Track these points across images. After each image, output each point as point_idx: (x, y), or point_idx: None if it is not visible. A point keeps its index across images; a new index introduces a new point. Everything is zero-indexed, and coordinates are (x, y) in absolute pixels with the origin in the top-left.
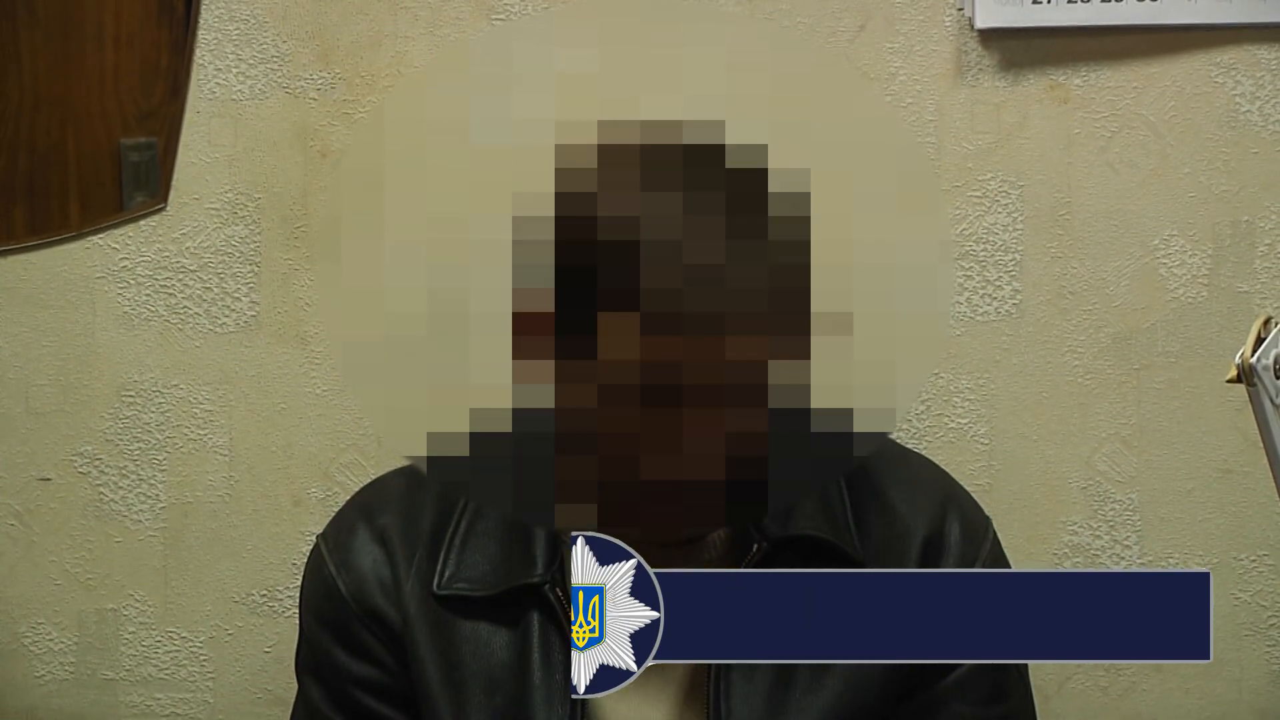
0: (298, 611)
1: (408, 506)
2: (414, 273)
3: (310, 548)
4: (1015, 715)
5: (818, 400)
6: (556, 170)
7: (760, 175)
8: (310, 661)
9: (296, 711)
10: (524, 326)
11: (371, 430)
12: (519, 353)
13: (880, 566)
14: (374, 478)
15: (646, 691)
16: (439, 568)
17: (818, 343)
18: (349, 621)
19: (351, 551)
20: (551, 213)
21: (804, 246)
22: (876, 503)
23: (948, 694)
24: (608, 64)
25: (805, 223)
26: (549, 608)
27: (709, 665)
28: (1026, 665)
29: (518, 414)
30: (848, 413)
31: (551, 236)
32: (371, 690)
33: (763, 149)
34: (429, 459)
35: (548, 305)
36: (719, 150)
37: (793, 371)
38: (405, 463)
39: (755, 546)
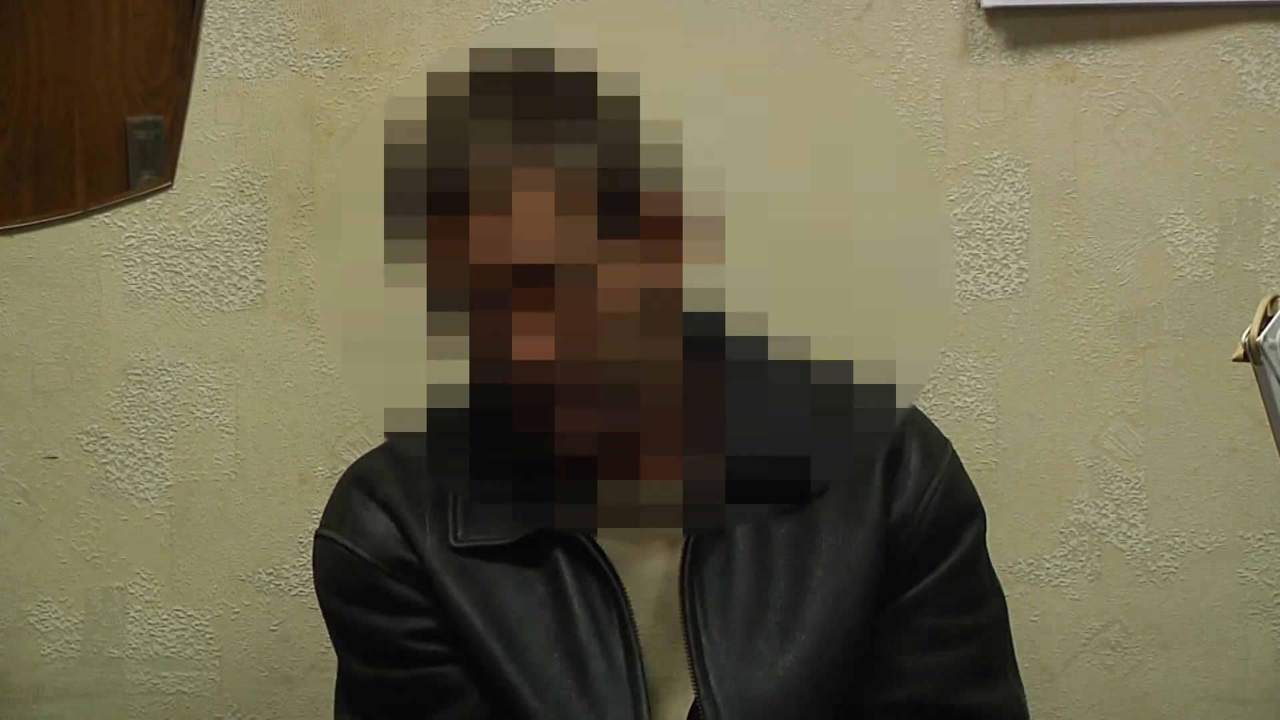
0: (321, 610)
1: (402, 475)
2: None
3: (316, 525)
4: (987, 628)
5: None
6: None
7: (590, 79)
8: (353, 643)
9: (349, 688)
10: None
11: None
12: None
13: (847, 482)
14: (356, 460)
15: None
16: (450, 525)
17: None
18: (378, 581)
19: (359, 520)
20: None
21: (633, 150)
22: None
23: (919, 604)
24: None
25: (635, 126)
26: (574, 544)
27: (683, 595)
28: (996, 579)
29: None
30: (889, 388)
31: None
32: (423, 638)
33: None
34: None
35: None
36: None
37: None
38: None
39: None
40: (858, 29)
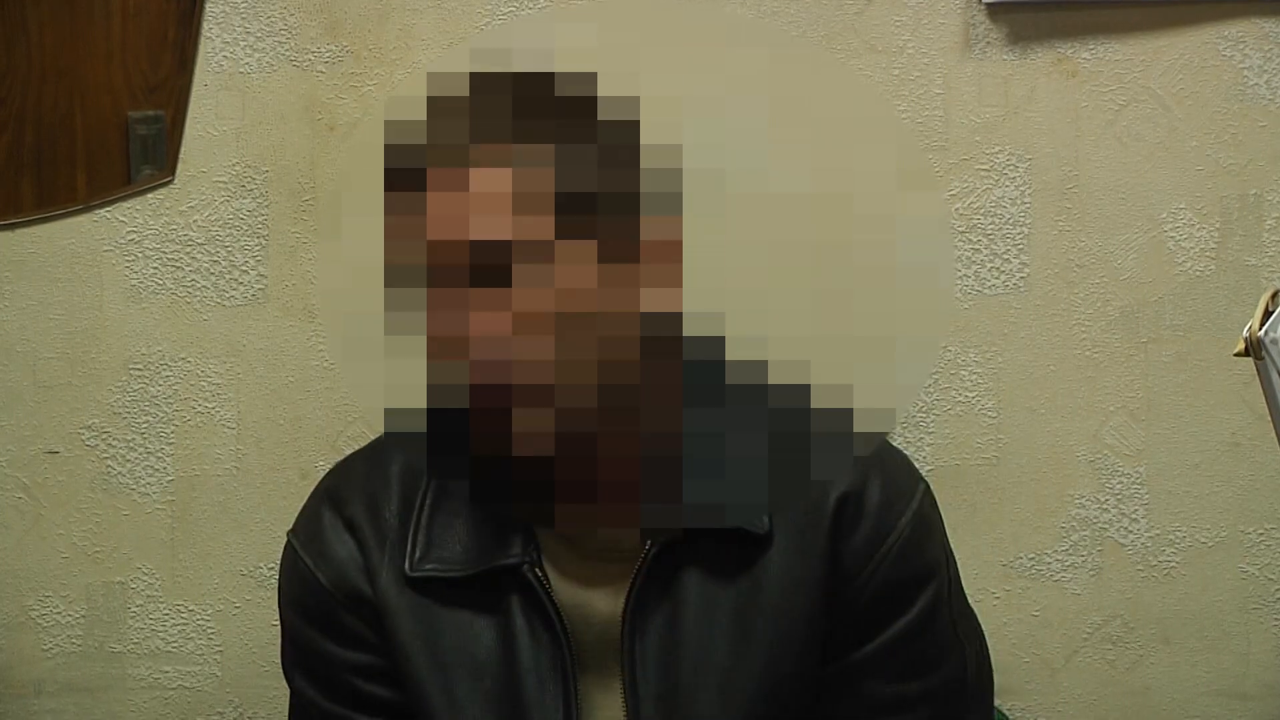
0: (278, 610)
1: (371, 493)
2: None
3: None
4: (937, 693)
5: (817, 395)
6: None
7: (590, 102)
8: (299, 659)
9: (292, 709)
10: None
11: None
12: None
13: (796, 533)
14: (336, 463)
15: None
16: (408, 549)
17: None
18: (333, 610)
19: (325, 543)
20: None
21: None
22: None
23: (864, 670)
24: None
25: (634, 149)
26: (528, 588)
27: (622, 653)
28: (960, 628)
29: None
30: (847, 413)
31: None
32: (365, 675)
33: (591, 77)
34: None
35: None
36: (548, 78)
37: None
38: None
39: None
40: (859, 24)
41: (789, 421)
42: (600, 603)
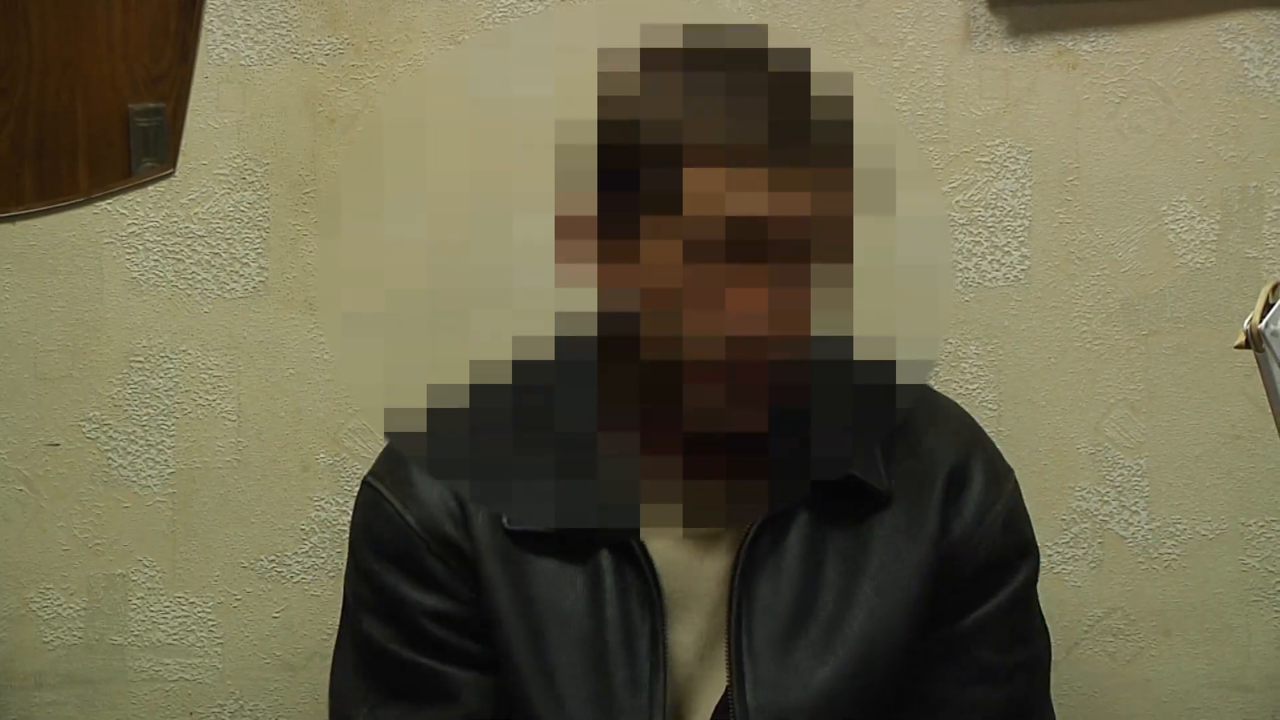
0: (349, 550)
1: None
2: (415, 246)
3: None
4: (1031, 667)
5: (860, 349)
6: (599, 75)
7: (803, 79)
8: (374, 601)
9: (350, 650)
10: (567, 230)
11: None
12: (561, 256)
13: (907, 498)
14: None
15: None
16: None
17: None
18: (418, 554)
19: (414, 485)
20: (594, 116)
21: (847, 150)
22: (906, 439)
23: (968, 637)
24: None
25: (848, 126)
26: (621, 545)
27: (731, 596)
28: (1044, 619)
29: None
30: (890, 365)
31: (594, 140)
32: (443, 622)
33: (805, 52)
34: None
35: (590, 209)
36: (761, 54)
37: (835, 307)
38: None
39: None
40: (859, 16)
41: (837, 374)
42: (707, 559)
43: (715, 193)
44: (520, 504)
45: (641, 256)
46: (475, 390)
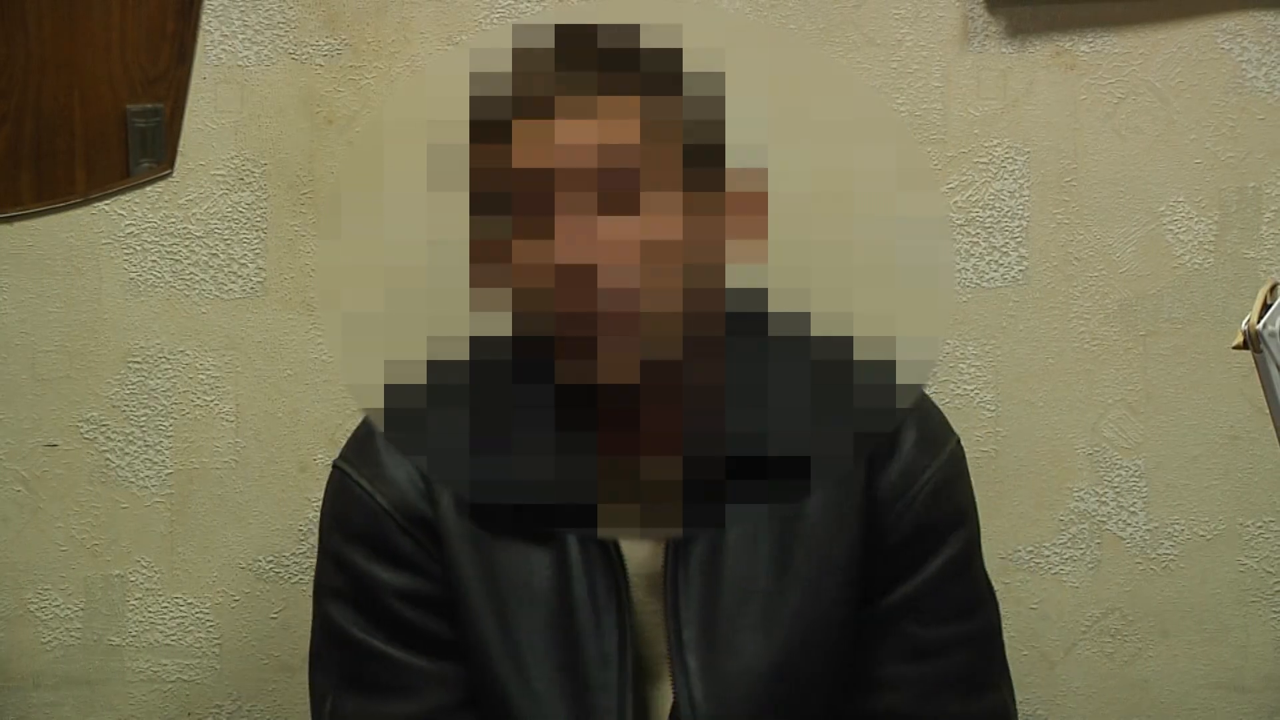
0: (318, 539)
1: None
2: (414, 240)
3: (316, 513)
4: (975, 638)
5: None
6: (471, 75)
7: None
8: (341, 585)
9: (317, 640)
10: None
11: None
12: (474, 280)
13: None
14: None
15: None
16: None
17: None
18: (387, 533)
19: (382, 465)
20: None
21: (675, 79)
22: None
23: (898, 611)
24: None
25: (677, 55)
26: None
27: (665, 561)
28: (989, 585)
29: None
30: (889, 365)
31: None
32: (411, 601)
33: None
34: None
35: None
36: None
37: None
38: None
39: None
40: (857, 17)
41: (833, 374)
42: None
43: (545, 126)
44: (479, 483)
45: (513, 239)
46: (433, 367)
